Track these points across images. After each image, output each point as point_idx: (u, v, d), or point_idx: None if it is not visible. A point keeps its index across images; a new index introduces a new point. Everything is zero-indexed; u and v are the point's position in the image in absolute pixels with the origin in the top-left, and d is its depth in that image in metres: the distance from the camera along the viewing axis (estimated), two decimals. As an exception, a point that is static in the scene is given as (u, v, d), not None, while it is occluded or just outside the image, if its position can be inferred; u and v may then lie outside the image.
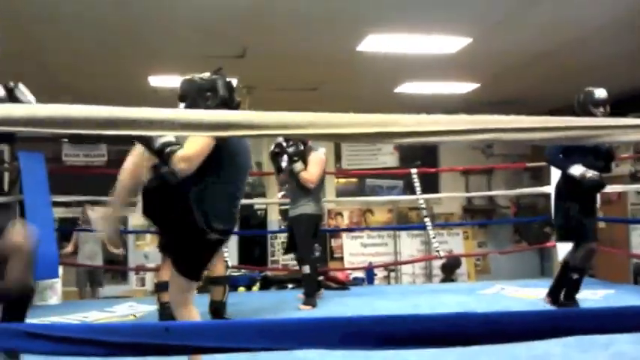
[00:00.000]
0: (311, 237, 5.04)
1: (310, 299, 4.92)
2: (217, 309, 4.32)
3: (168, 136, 2.46)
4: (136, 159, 2.71)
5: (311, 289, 5.01)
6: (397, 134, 1.26)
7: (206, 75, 2.92)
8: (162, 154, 2.46)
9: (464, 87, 8.39)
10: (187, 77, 2.94)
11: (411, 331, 1.41)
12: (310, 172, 4.89)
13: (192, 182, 2.61)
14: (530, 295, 5.37)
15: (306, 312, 4.74)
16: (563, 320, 1.52)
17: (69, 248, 8.05)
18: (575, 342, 3.41)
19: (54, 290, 5.48)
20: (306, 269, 4.96)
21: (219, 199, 2.75)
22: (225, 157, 2.71)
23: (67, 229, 8.65)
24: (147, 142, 2.51)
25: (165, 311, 4.00)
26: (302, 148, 4.91)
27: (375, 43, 6.24)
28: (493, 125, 1.28)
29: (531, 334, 1.51)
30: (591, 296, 5.25)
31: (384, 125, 1.26)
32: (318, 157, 5.00)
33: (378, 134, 1.26)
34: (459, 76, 7.81)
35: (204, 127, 1.21)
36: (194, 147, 2.54)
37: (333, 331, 1.32)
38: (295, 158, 4.87)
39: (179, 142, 2.52)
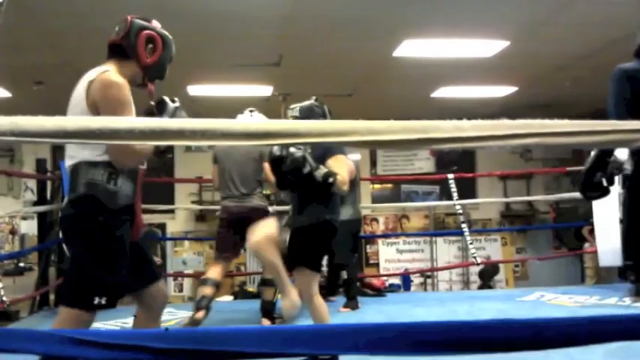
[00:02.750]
0: (351, 243, 5.07)
1: (353, 302, 5.13)
2: (267, 309, 4.50)
3: (323, 167, 3.16)
4: None
5: (353, 292, 5.21)
6: (438, 140, 1.26)
7: (316, 102, 3.53)
8: (325, 181, 3.12)
9: (501, 91, 8.30)
10: (306, 104, 3.49)
11: (454, 337, 1.41)
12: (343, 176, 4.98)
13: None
14: (570, 303, 5.26)
15: (346, 314, 4.96)
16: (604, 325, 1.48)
17: None
18: (618, 349, 3.34)
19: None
20: (344, 274, 5.20)
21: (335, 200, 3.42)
22: None
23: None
24: (297, 171, 3.12)
25: (200, 302, 4.16)
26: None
27: (412, 49, 6.22)
28: (535, 130, 1.27)
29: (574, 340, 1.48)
30: (633, 303, 5.12)
31: (425, 131, 1.25)
32: (348, 164, 5.09)
33: (418, 140, 1.25)
34: (496, 79, 7.73)
35: (247, 136, 1.22)
36: (345, 172, 3.29)
37: (378, 337, 1.32)
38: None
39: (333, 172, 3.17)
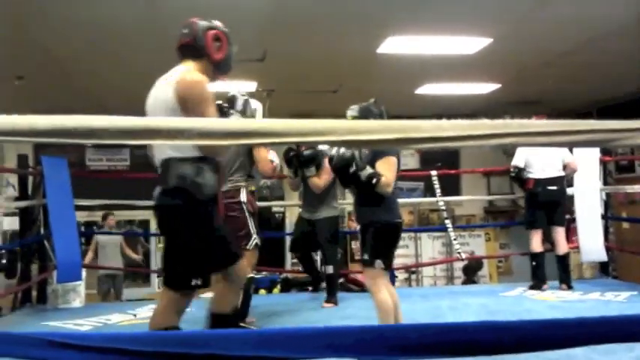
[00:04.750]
0: (335, 239, 5.26)
1: (333, 298, 5.18)
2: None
3: (369, 168, 3.36)
4: None
5: (334, 288, 5.26)
6: (418, 140, 1.26)
7: (373, 103, 3.72)
8: (369, 182, 3.33)
9: (485, 87, 8.34)
10: (365, 105, 3.64)
11: (432, 340, 1.41)
12: (322, 178, 5.06)
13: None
14: (553, 298, 5.31)
15: (329, 309, 5.05)
16: (589, 328, 1.50)
17: (88, 257, 8.08)
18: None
19: (77, 293, 5.53)
20: (330, 269, 5.20)
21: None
22: None
23: (89, 232, 8.75)
24: (343, 169, 3.36)
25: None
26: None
27: (395, 45, 6.22)
28: (514, 130, 1.27)
29: (555, 343, 1.49)
30: (614, 298, 5.18)
31: (405, 131, 1.25)
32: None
33: (398, 140, 1.25)
34: (480, 76, 7.76)
35: (226, 135, 1.21)
36: (391, 175, 3.42)
37: (352, 339, 1.32)
38: (311, 164, 4.98)
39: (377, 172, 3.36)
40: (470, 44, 6.28)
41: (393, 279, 9.64)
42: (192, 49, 2.73)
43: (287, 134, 1.24)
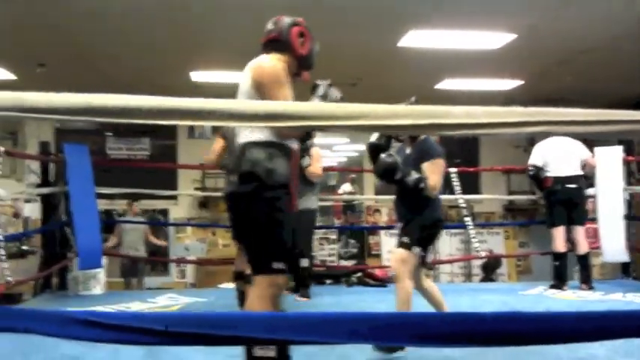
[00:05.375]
0: (311, 232, 5.27)
1: (307, 291, 5.16)
2: None
3: (414, 173, 3.35)
4: None
5: (308, 281, 5.26)
6: (449, 126, 1.24)
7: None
8: (417, 187, 3.34)
9: (506, 84, 8.26)
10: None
11: (456, 329, 1.39)
12: (317, 166, 5.04)
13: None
14: (574, 297, 5.25)
15: (304, 303, 4.99)
16: (612, 321, 1.47)
17: (112, 241, 8.19)
18: (621, 345, 3.33)
19: (97, 280, 5.58)
20: (305, 262, 5.13)
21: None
22: None
23: (111, 221, 8.80)
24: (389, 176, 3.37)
25: (242, 297, 4.15)
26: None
27: (417, 39, 6.19)
28: (549, 118, 1.25)
29: (580, 335, 1.46)
30: (636, 299, 5.11)
31: (436, 116, 1.24)
32: (319, 153, 5.14)
33: (430, 125, 1.24)
34: (502, 72, 7.69)
35: (256, 117, 1.20)
36: (437, 178, 3.42)
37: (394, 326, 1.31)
38: (304, 154, 4.98)
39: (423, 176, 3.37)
40: (493, 39, 6.22)
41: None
42: (277, 44, 2.80)
43: (318, 118, 1.23)
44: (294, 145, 2.69)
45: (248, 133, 2.60)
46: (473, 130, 1.25)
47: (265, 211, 2.55)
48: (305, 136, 4.42)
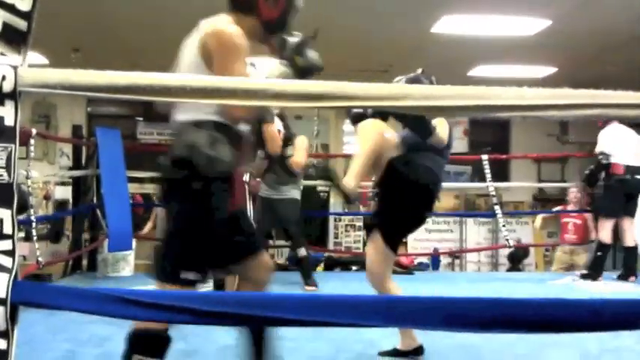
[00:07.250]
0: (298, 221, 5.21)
1: (312, 279, 5.10)
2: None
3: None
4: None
5: (310, 270, 5.25)
6: (498, 107, 1.21)
7: (422, 74, 3.24)
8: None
9: (541, 71, 8.11)
10: (412, 75, 3.17)
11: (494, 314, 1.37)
12: (300, 156, 4.95)
13: None
14: (603, 289, 5.16)
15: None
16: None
17: (148, 226, 8.11)
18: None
19: (127, 262, 5.65)
20: (303, 252, 5.11)
21: None
22: None
23: (149, 205, 8.71)
24: None
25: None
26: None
27: (450, 25, 6.10)
28: (601, 100, 1.21)
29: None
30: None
31: (484, 98, 1.20)
32: (305, 143, 5.06)
33: (477, 107, 1.20)
34: (536, 59, 7.56)
35: (298, 97, 1.18)
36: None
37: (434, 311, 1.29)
38: (289, 143, 4.93)
39: None
40: (528, 25, 6.11)
41: (437, 262, 9.62)
42: (241, 2, 2.23)
43: (362, 98, 1.20)
44: (245, 129, 2.20)
45: (187, 111, 2.12)
46: (522, 111, 1.21)
47: (188, 207, 2.07)
48: (259, 119, 3.87)
